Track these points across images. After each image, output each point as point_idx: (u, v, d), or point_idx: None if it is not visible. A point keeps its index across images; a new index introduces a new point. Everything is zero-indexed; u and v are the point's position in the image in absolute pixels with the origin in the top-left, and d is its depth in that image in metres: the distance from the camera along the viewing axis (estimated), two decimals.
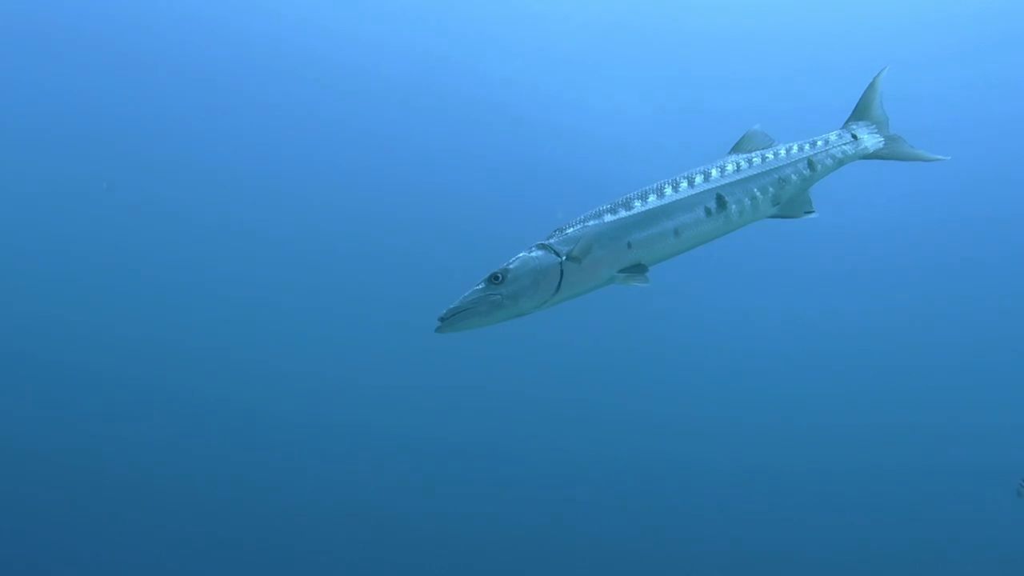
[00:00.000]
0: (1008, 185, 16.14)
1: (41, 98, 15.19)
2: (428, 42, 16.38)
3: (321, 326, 14.80)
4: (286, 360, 14.33)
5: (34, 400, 13.02)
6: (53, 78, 15.19)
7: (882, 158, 4.62)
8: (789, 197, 4.35)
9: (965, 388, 15.19)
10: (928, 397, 15.08)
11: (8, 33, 15.11)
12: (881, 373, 15.23)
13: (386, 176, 15.87)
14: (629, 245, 4.04)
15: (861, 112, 4.65)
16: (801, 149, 4.43)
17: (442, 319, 4.00)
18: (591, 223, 4.08)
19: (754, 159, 4.32)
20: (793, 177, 4.34)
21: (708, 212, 4.14)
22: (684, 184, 4.18)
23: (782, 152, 4.38)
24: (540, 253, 4.03)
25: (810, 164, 4.40)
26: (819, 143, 4.49)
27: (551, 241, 4.06)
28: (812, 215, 4.41)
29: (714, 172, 4.24)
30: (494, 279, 3.98)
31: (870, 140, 4.59)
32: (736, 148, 4.42)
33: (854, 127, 4.61)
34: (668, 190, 4.16)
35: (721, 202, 4.17)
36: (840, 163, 4.52)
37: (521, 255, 4.05)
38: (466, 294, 4.01)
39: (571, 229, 4.08)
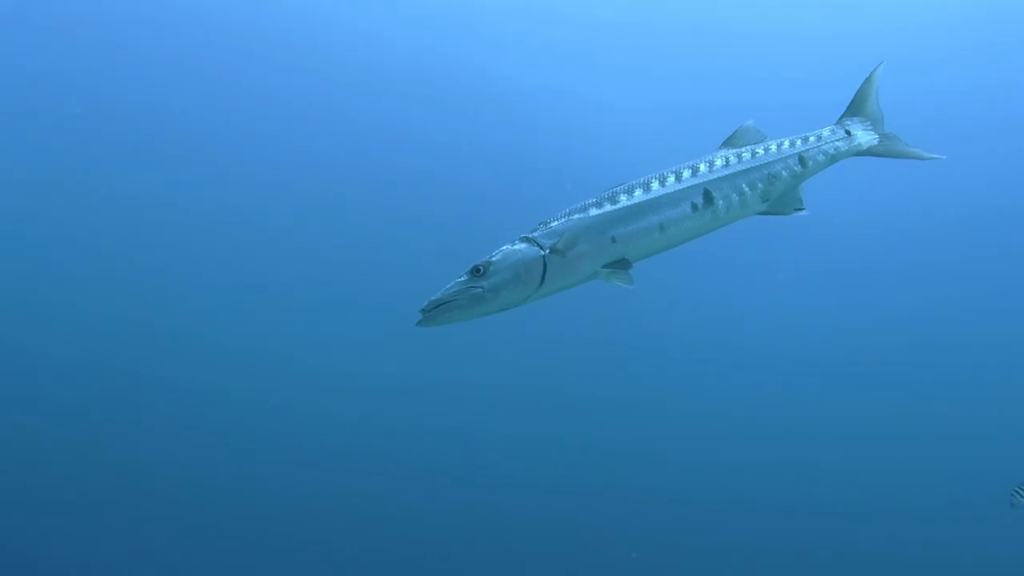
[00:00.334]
0: (1004, 185, 16.05)
1: (30, 88, 15.14)
2: (420, 34, 16.33)
3: (309, 316, 14.77)
4: (274, 350, 14.31)
5: (23, 394, 13.00)
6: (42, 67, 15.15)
7: (876, 155, 4.50)
8: (779, 194, 4.24)
9: (960, 386, 15.16)
10: (922, 396, 15.05)
11: (8, 33, 15.08)
12: (876, 371, 15.20)
13: (383, 168, 15.83)
14: (613, 239, 3.97)
15: (856, 108, 4.53)
16: (792, 145, 4.33)
17: (424, 311, 3.92)
18: (576, 216, 4.01)
19: (744, 154, 4.22)
20: (783, 173, 4.24)
21: (695, 207, 4.05)
22: (671, 179, 4.10)
23: (773, 147, 4.28)
24: (523, 246, 3.96)
25: (801, 160, 4.30)
26: (811, 139, 4.38)
27: (535, 234, 4.00)
28: (802, 212, 4.31)
29: (702, 167, 4.15)
30: (476, 271, 3.92)
31: (864, 137, 4.48)
32: (727, 143, 4.33)
33: (848, 123, 4.49)
34: (655, 184, 4.08)
35: (708, 197, 4.08)
36: (833, 160, 4.40)
37: (504, 248, 3.98)
38: (448, 286, 3.93)
39: (555, 222, 4.02)
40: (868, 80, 4.56)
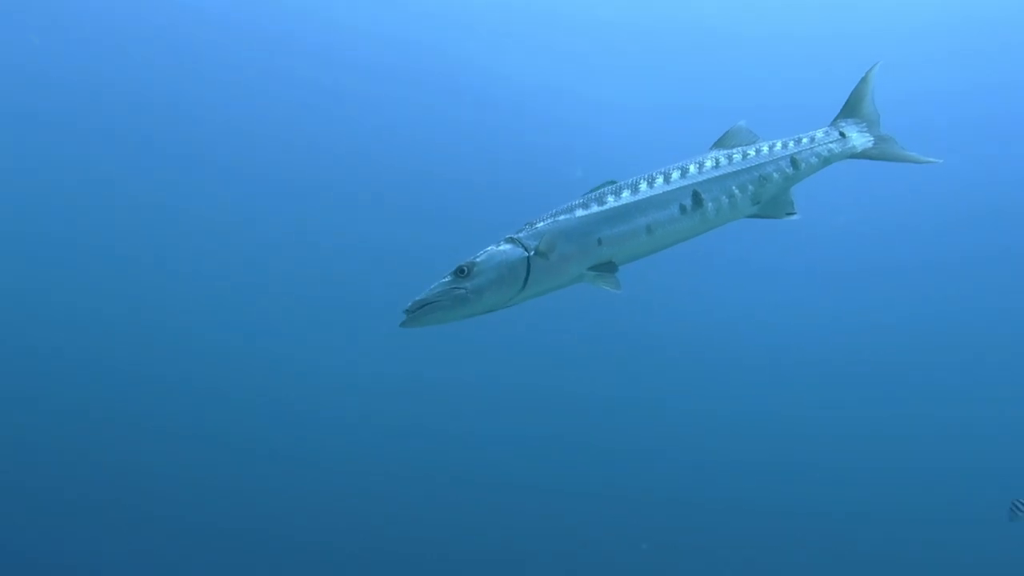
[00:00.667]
0: (998, 185, 15.99)
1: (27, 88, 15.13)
2: (417, 33, 16.30)
3: (308, 315, 14.74)
4: (273, 350, 14.28)
5: (21, 393, 12.99)
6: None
7: (871, 158, 4.40)
8: (770, 196, 4.16)
9: (959, 388, 15.14)
10: (921, 397, 15.02)
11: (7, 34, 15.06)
12: (874, 372, 15.18)
13: (381, 167, 15.80)
14: (599, 241, 3.89)
15: (851, 109, 4.43)
16: (785, 146, 4.23)
17: (408, 312, 3.87)
18: (562, 218, 3.94)
19: (735, 155, 4.13)
20: (775, 175, 4.15)
21: (683, 209, 3.97)
22: (660, 180, 4.01)
23: (764, 149, 4.19)
24: (508, 247, 3.89)
25: (793, 162, 4.21)
26: (804, 140, 4.29)
27: (520, 235, 3.92)
28: (794, 216, 4.22)
29: (692, 168, 4.06)
30: (460, 272, 3.86)
31: (859, 139, 4.38)
32: (718, 144, 4.24)
33: (842, 124, 4.40)
34: (643, 186, 4.00)
35: (697, 199, 3.99)
36: (826, 162, 4.31)
37: (489, 248, 3.91)
38: (432, 287, 3.87)
39: (541, 223, 3.94)
40: (863, 81, 4.47)
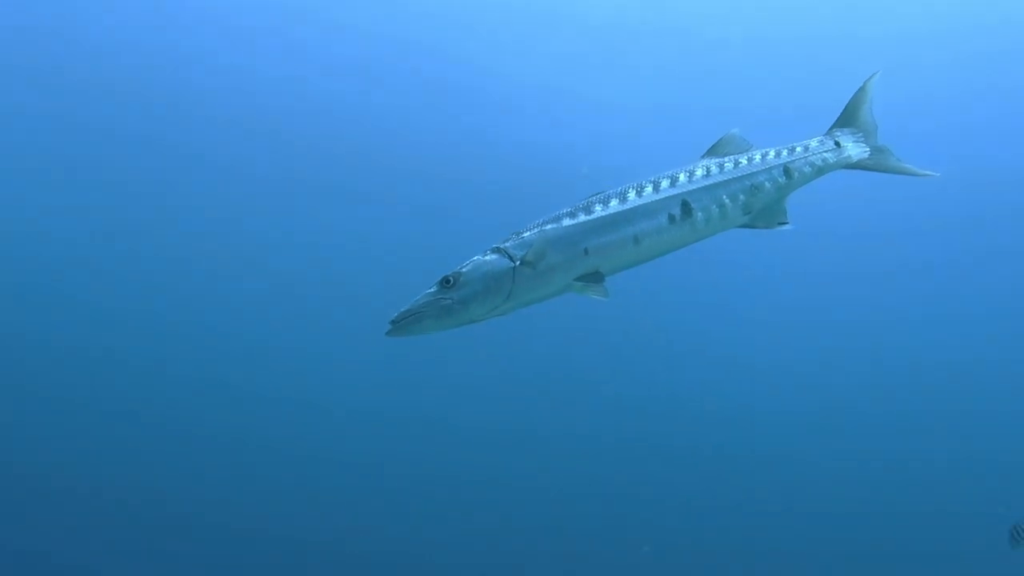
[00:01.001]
0: (994, 191, 15.91)
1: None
2: (422, 34, 16.38)
3: (307, 316, 14.71)
4: (273, 351, 14.28)
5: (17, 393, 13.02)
6: None
7: (866, 169, 4.30)
8: (762, 206, 4.06)
9: (959, 390, 15.08)
10: (920, 399, 14.96)
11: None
12: (873, 376, 15.15)
13: (379, 167, 15.85)
14: (586, 251, 3.83)
15: (847, 118, 4.33)
16: (778, 155, 4.14)
17: (393, 322, 3.83)
18: (549, 227, 3.88)
19: (726, 164, 4.05)
20: (767, 185, 4.06)
21: (672, 219, 3.89)
22: (649, 189, 3.94)
23: (757, 158, 4.10)
24: (494, 257, 3.84)
25: (786, 171, 4.11)
26: (798, 149, 4.20)
27: (506, 245, 3.88)
28: (786, 226, 4.13)
29: (682, 177, 3.98)
30: (445, 282, 3.82)
31: (854, 149, 4.28)
32: (711, 152, 4.16)
33: (838, 134, 4.30)
34: (631, 195, 3.93)
35: (686, 209, 3.91)
36: (820, 171, 4.21)
37: (475, 258, 3.87)
38: (418, 297, 3.84)
39: (528, 232, 3.89)
40: (861, 90, 4.37)
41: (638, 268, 4.05)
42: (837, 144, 4.27)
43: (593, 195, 3.98)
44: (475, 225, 14.14)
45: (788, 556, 12.80)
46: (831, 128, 4.35)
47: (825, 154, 4.23)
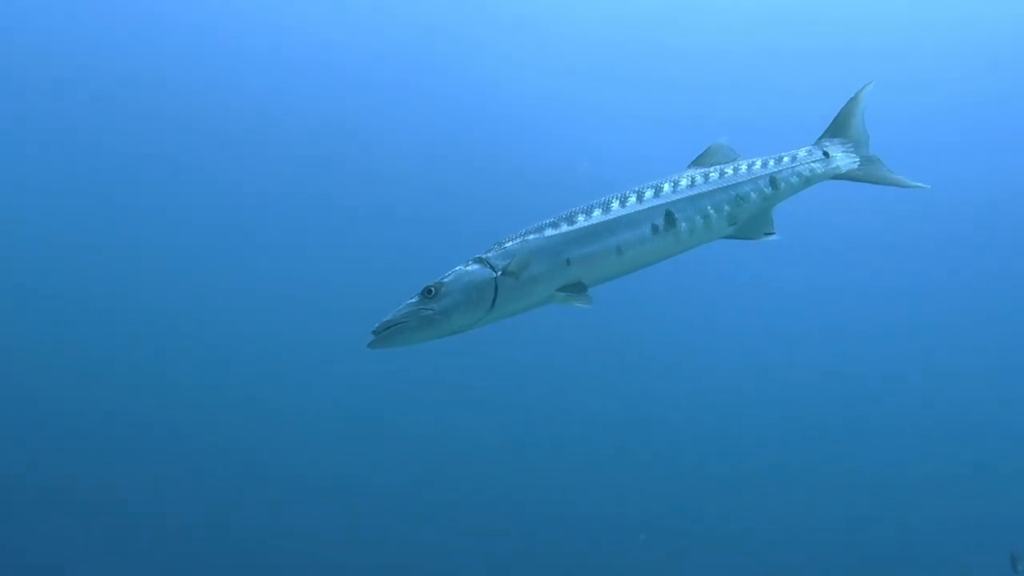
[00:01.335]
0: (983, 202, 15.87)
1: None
2: (403, 43, 16.44)
3: (306, 321, 14.67)
4: (269, 356, 14.23)
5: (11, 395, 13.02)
6: None
7: (855, 180, 4.24)
8: (748, 217, 4.01)
9: (960, 392, 15.03)
10: (898, 410, 14.89)
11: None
12: (871, 379, 15.09)
13: (376, 174, 15.88)
14: (568, 262, 3.79)
15: (837, 128, 4.27)
16: (765, 165, 4.09)
17: (375, 333, 3.80)
18: (531, 237, 3.85)
19: (711, 174, 4.01)
20: (752, 195, 4.01)
21: (655, 229, 3.85)
22: (632, 199, 3.91)
23: (743, 168, 4.05)
24: (476, 267, 3.81)
25: (772, 182, 4.06)
26: (785, 159, 4.14)
27: (488, 255, 3.84)
28: (772, 237, 4.08)
29: (666, 187, 3.94)
30: (427, 293, 3.79)
31: (843, 160, 4.22)
32: (697, 161, 4.12)
33: (827, 144, 4.24)
34: (615, 204, 3.89)
35: (670, 219, 3.87)
36: (807, 182, 4.15)
37: (457, 268, 3.85)
38: (399, 307, 3.80)
39: (510, 243, 3.86)
40: (853, 99, 4.31)
41: (623, 279, 4.02)
42: (825, 154, 4.21)
43: (578, 206, 3.95)
44: (461, 234, 14.12)
45: (774, 569, 12.72)
46: (820, 138, 4.30)
47: (813, 164, 4.17)
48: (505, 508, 13.01)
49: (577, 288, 3.81)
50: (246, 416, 13.43)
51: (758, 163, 4.10)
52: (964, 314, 15.89)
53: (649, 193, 3.92)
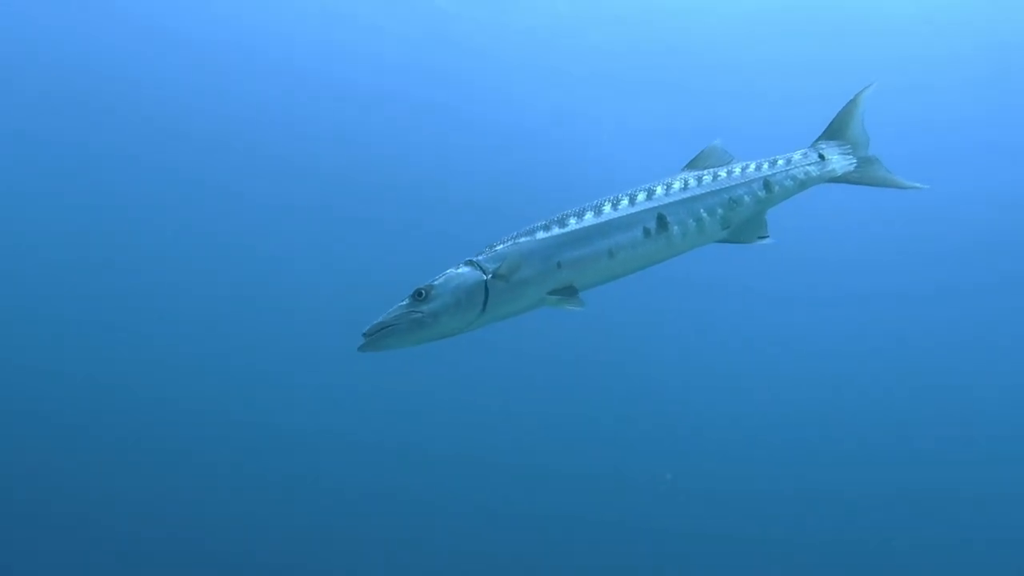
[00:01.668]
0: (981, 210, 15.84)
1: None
2: (416, 56, 16.46)
3: (303, 327, 14.64)
4: (264, 364, 14.20)
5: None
6: None
7: (852, 183, 4.17)
8: (741, 220, 3.97)
9: (959, 394, 15.00)
10: (919, 403, 14.83)
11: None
12: (871, 384, 15.04)
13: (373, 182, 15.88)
14: (559, 265, 3.76)
15: (835, 131, 4.21)
16: (759, 168, 4.05)
17: (366, 335, 3.77)
18: (523, 239, 3.83)
19: (704, 177, 3.97)
20: (746, 198, 3.97)
21: (647, 233, 3.81)
22: (625, 202, 3.88)
23: (737, 171, 4.01)
24: (466, 270, 3.79)
25: (767, 185, 4.02)
26: (780, 162, 4.09)
27: (479, 258, 3.83)
28: (766, 240, 4.04)
29: (659, 190, 3.91)
30: (417, 295, 3.77)
31: (840, 162, 4.16)
32: (691, 164, 4.08)
33: (823, 146, 4.18)
34: (607, 207, 3.87)
35: (662, 223, 3.84)
36: (803, 185, 4.10)
37: (448, 271, 3.82)
38: (390, 310, 3.78)
39: (501, 245, 3.84)
40: (852, 102, 4.23)
41: (616, 283, 3.99)
42: (821, 157, 4.16)
43: (569, 209, 3.92)
44: (453, 237, 14.09)
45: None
46: (816, 140, 4.24)
47: (808, 167, 4.12)
48: (500, 511, 12.98)
49: (569, 291, 3.78)
50: (236, 421, 13.38)
51: (752, 166, 4.06)
52: (964, 320, 15.84)
53: (641, 196, 3.89)
